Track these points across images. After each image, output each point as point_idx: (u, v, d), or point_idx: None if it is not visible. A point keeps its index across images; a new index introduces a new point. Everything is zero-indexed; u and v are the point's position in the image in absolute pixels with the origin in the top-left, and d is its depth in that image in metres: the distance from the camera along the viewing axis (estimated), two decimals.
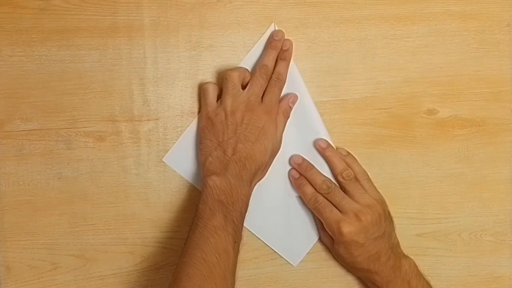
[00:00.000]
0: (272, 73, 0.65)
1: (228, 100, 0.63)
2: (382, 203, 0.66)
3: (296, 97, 0.66)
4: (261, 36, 0.67)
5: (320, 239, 0.69)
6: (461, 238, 0.71)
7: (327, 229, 0.65)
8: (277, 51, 0.66)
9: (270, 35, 0.66)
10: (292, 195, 0.68)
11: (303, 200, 0.67)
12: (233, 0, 0.67)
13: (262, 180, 0.66)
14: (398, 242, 0.67)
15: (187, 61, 0.66)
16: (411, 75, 0.70)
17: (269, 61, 0.65)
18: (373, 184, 0.67)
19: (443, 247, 0.68)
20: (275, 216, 0.68)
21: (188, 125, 0.67)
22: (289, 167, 0.67)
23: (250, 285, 0.68)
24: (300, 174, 0.66)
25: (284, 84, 0.66)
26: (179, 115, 0.67)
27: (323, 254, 0.69)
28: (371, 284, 0.66)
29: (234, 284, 0.57)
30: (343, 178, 0.65)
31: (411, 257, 0.66)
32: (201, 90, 0.66)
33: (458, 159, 0.71)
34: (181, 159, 0.66)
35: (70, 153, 0.65)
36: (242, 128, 0.62)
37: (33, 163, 0.65)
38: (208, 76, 0.67)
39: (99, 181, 0.66)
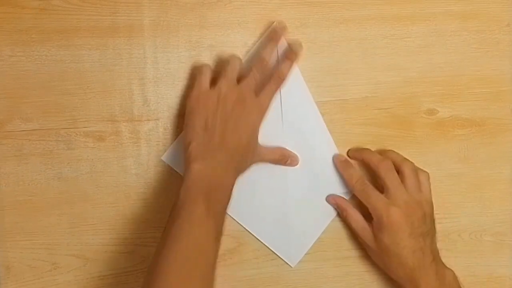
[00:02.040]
0: (276, 71, 0.64)
1: (224, 85, 0.61)
2: (430, 204, 0.65)
3: (296, 162, 0.67)
4: (261, 37, 0.67)
5: (356, 235, 0.67)
6: (461, 238, 0.71)
7: (373, 214, 0.63)
8: (277, 43, 0.65)
9: (271, 28, 0.66)
10: (291, 195, 0.68)
11: (347, 184, 0.66)
12: (233, 0, 0.67)
13: (262, 181, 0.65)
14: (438, 252, 0.65)
15: (187, 61, 0.66)
16: (411, 75, 0.70)
17: (267, 54, 0.64)
18: (429, 185, 0.66)
19: (443, 247, 0.68)
20: (273, 217, 0.68)
21: None
22: (289, 169, 0.67)
23: (250, 285, 0.68)
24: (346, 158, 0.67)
25: (282, 83, 0.65)
26: (179, 115, 0.67)
27: (323, 254, 0.69)
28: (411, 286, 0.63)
29: (213, 283, 0.55)
30: (404, 167, 0.65)
31: None
32: (196, 70, 0.65)
33: (458, 159, 0.71)
34: (180, 157, 0.66)
35: (70, 153, 0.65)
36: (232, 119, 0.60)
37: (33, 163, 0.65)
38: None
39: (99, 181, 0.66)
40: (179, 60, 0.66)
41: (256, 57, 0.64)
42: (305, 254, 0.69)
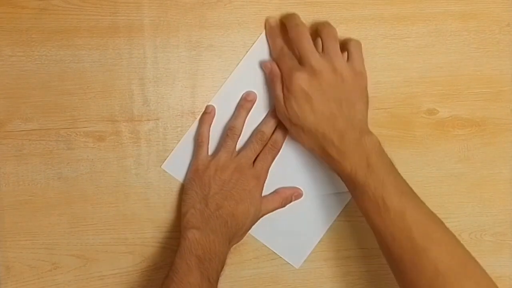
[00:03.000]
0: (269, 140, 0.65)
1: (223, 156, 0.64)
2: (353, 71, 0.62)
3: (300, 195, 0.68)
4: (260, 35, 0.67)
5: (276, 111, 0.65)
6: (461, 238, 0.70)
7: (284, 80, 0.62)
8: (277, 120, 0.65)
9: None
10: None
11: (271, 51, 0.65)
12: (233, 0, 0.67)
13: (266, 183, 0.66)
14: (365, 120, 0.63)
15: (187, 61, 0.66)
16: (411, 75, 0.70)
17: (267, 128, 0.65)
18: (360, 54, 0.63)
19: None
20: (276, 219, 0.68)
21: (187, 129, 0.66)
22: (289, 170, 0.67)
23: (250, 285, 0.68)
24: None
25: (278, 153, 0.66)
26: (179, 115, 0.67)
27: (324, 254, 0.69)
28: (326, 157, 0.61)
29: None
30: (324, 32, 0.63)
31: None
32: (195, 142, 0.66)
33: (458, 159, 0.71)
34: (180, 166, 0.66)
35: (70, 153, 0.65)
36: (229, 186, 0.63)
37: (33, 163, 0.65)
38: (208, 76, 0.67)
39: (99, 181, 0.66)
40: (179, 60, 0.66)
41: (256, 130, 0.66)
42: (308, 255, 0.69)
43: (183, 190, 0.66)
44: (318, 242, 0.69)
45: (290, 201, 0.67)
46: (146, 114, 0.66)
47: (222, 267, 0.60)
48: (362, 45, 0.65)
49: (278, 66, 0.64)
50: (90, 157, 0.66)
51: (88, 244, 0.66)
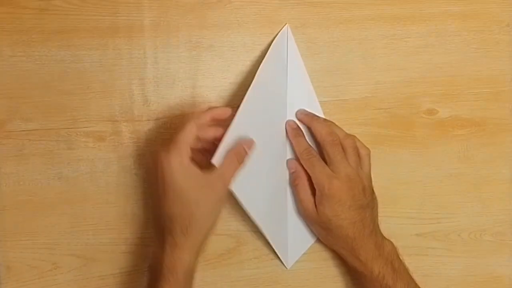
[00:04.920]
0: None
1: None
2: (369, 179, 0.66)
3: (250, 142, 0.62)
4: (273, 39, 0.66)
5: (301, 207, 0.66)
6: (461, 238, 0.71)
7: (315, 184, 0.64)
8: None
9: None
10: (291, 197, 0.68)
11: (295, 152, 0.66)
12: (233, 0, 0.67)
13: (262, 182, 0.65)
14: (378, 225, 0.66)
15: (187, 61, 0.67)
16: (411, 75, 0.70)
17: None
18: (369, 160, 0.66)
19: (443, 247, 0.68)
20: (275, 216, 0.67)
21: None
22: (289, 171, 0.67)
23: (250, 285, 0.68)
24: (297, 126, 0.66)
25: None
26: (179, 115, 0.67)
27: (323, 254, 0.69)
28: (354, 260, 0.64)
29: None
30: (346, 143, 0.65)
31: (411, 257, 0.67)
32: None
33: (458, 159, 0.71)
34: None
35: (70, 153, 0.66)
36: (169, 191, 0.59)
37: (33, 163, 0.65)
38: (208, 76, 0.67)
39: (99, 181, 0.66)
40: (179, 60, 0.66)
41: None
42: (304, 254, 0.69)
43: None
44: (317, 242, 0.69)
45: (246, 154, 0.61)
46: (146, 114, 0.66)
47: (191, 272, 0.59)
48: (362, 45, 0.66)
49: (307, 168, 0.65)
50: (90, 157, 0.66)
51: (88, 244, 0.66)
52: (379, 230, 0.66)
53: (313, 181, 0.64)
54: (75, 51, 0.65)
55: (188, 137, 0.58)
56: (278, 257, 0.68)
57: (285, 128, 0.66)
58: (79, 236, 0.66)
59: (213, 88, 0.67)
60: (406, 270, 0.64)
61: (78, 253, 0.66)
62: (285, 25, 0.67)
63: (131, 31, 0.65)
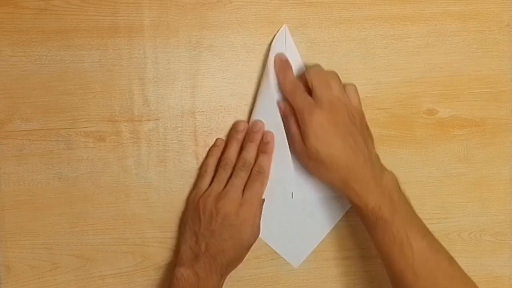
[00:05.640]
0: (254, 166, 0.65)
1: (214, 187, 0.64)
2: (359, 111, 0.65)
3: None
4: (272, 40, 0.67)
5: (292, 145, 0.65)
6: (461, 238, 0.71)
7: (298, 115, 0.62)
8: (256, 143, 0.65)
9: (250, 126, 0.66)
10: (296, 197, 0.68)
11: (280, 83, 0.65)
12: (233, 0, 0.67)
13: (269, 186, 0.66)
14: (378, 157, 0.64)
15: (187, 61, 0.66)
16: (411, 75, 0.70)
17: (248, 154, 0.65)
18: (357, 94, 0.65)
19: None
20: (277, 218, 0.68)
21: (187, 129, 0.66)
22: (292, 171, 0.67)
23: (250, 285, 0.69)
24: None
25: (267, 178, 0.65)
26: (179, 115, 0.67)
27: (324, 254, 0.69)
28: (349, 191, 0.61)
29: None
30: (331, 75, 0.64)
31: None
32: (199, 172, 0.67)
33: (458, 159, 0.71)
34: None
35: (70, 153, 0.66)
36: (217, 223, 0.62)
37: (33, 163, 0.65)
38: (208, 76, 0.67)
39: (99, 181, 0.66)
40: (179, 60, 0.66)
41: (239, 157, 0.65)
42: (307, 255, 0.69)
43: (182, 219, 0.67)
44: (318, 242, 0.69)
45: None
46: (146, 114, 0.66)
47: None
48: (362, 45, 0.66)
49: (290, 100, 0.64)
50: (90, 157, 0.66)
51: (88, 244, 0.66)
52: (379, 161, 0.63)
53: (296, 112, 0.63)
54: (75, 51, 0.65)
55: None
56: (279, 257, 0.68)
57: (285, 129, 0.66)
58: (79, 236, 0.66)
59: (213, 88, 0.67)
60: (407, 203, 0.62)
61: (78, 253, 0.66)
62: (282, 26, 0.67)
63: (131, 31, 0.65)
